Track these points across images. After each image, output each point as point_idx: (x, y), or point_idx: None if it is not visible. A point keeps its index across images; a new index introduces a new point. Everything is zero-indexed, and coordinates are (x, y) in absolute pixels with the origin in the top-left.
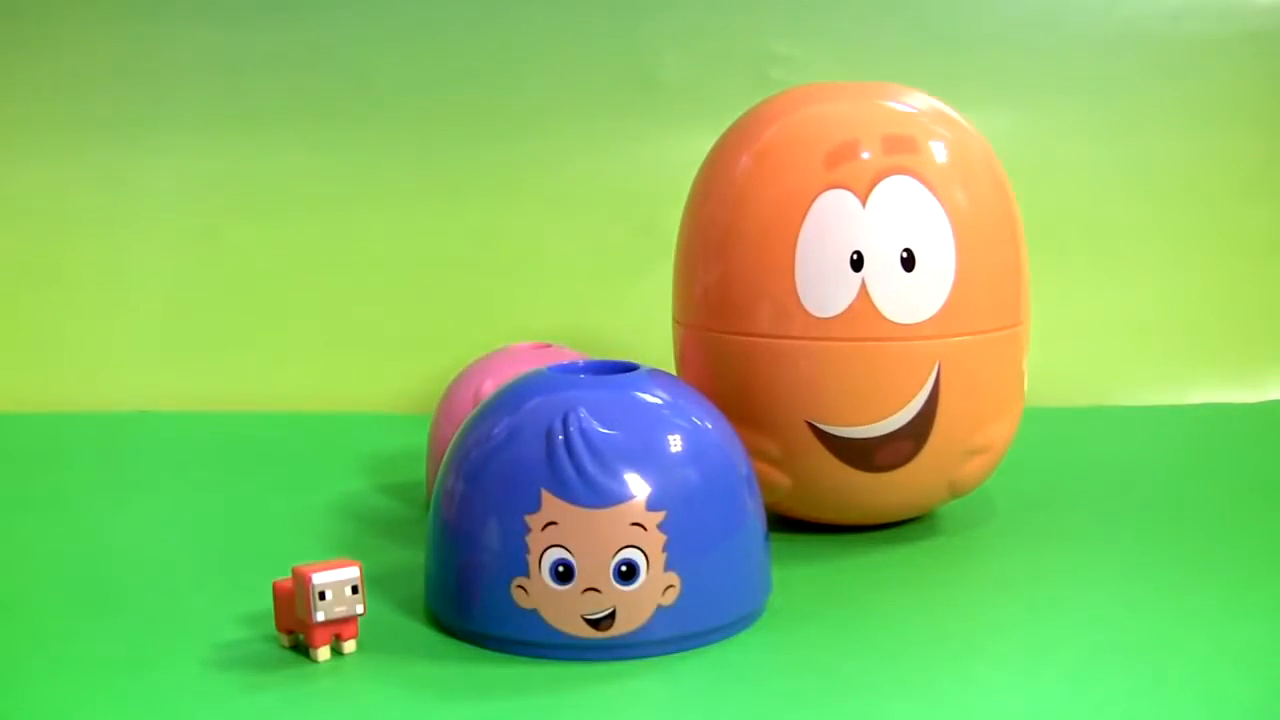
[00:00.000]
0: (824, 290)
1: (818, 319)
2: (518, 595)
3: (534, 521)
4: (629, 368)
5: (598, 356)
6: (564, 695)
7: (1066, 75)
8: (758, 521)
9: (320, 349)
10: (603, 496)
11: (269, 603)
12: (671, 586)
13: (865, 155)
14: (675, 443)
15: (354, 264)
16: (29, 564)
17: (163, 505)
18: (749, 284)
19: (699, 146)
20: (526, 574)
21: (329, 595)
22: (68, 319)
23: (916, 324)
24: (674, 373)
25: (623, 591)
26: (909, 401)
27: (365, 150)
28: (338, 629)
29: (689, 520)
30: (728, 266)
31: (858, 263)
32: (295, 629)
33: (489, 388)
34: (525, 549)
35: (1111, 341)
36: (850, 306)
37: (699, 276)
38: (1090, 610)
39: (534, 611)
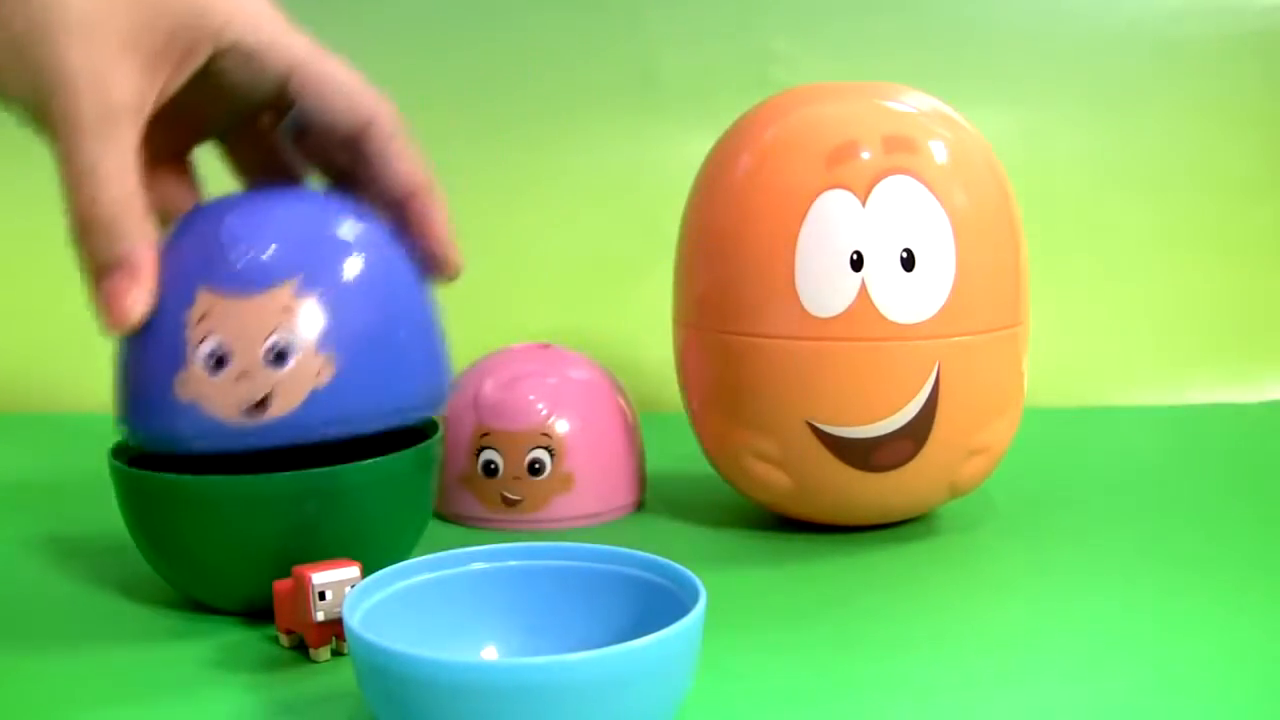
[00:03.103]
0: (824, 290)
1: (818, 319)
2: (177, 390)
3: (190, 316)
4: None
5: (597, 356)
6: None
7: (1066, 75)
8: (423, 312)
9: None
10: (253, 284)
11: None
12: (324, 369)
13: (865, 155)
14: (328, 234)
15: None
16: (28, 564)
17: None
18: (749, 284)
19: (699, 146)
20: (185, 368)
21: (329, 595)
22: (68, 319)
23: (916, 324)
24: (674, 373)
25: (275, 374)
26: (909, 401)
27: None
28: (338, 629)
29: (340, 305)
30: (728, 266)
31: (857, 263)
32: (295, 629)
33: (489, 388)
34: (184, 343)
35: (1111, 341)
36: (850, 306)
37: (699, 276)
38: (1090, 610)
39: (194, 404)
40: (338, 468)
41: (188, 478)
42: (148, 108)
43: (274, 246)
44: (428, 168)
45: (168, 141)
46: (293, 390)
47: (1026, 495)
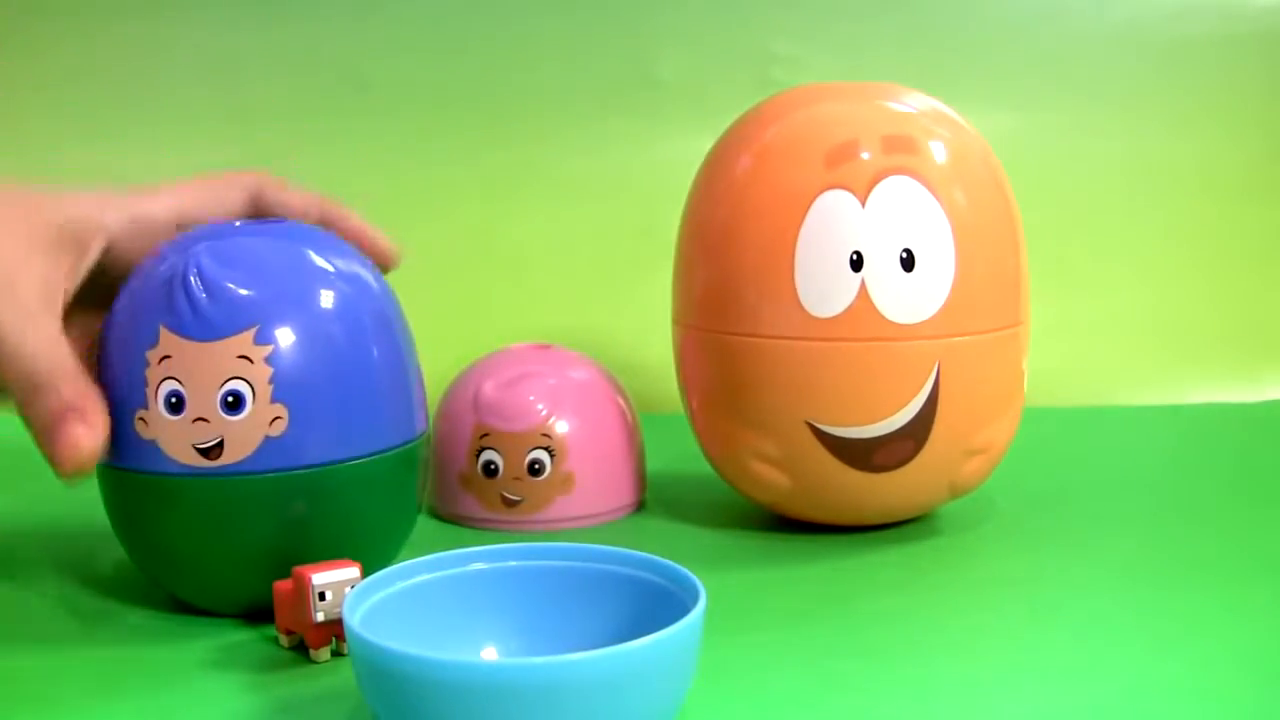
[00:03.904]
0: (824, 290)
1: (817, 319)
2: (139, 427)
3: (152, 356)
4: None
5: (598, 356)
6: None
7: (1066, 75)
8: (391, 354)
9: None
10: (212, 330)
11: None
12: (279, 418)
13: (865, 155)
14: (292, 280)
15: None
16: (27, 564)
17: None
18: (749, 284)
19: (699, 146)
20: (146, 406)
21: (329, 596)
22: None
23: (916, 324)
24: (674, 373)
25: (229, 421)
26: (909, 402)
27: (363, 151)
28: (338, 629)
29: (298, 355)
30: (727, 266)
31: (857, 263)
32: (295, 629)
33: (489, 388)
34: (145, 382)
35: (1111, 341)
36: (850, 306)
37: (699, 276)
38: (1090, 610)
39: (153, 442)
40: (325, 467)
41: (169, 477)
42: (60, 295)
43: (236, 293)
44: (320, 194)
45: (90, 325)
46: (247, 438)
47: (1026, 495)
